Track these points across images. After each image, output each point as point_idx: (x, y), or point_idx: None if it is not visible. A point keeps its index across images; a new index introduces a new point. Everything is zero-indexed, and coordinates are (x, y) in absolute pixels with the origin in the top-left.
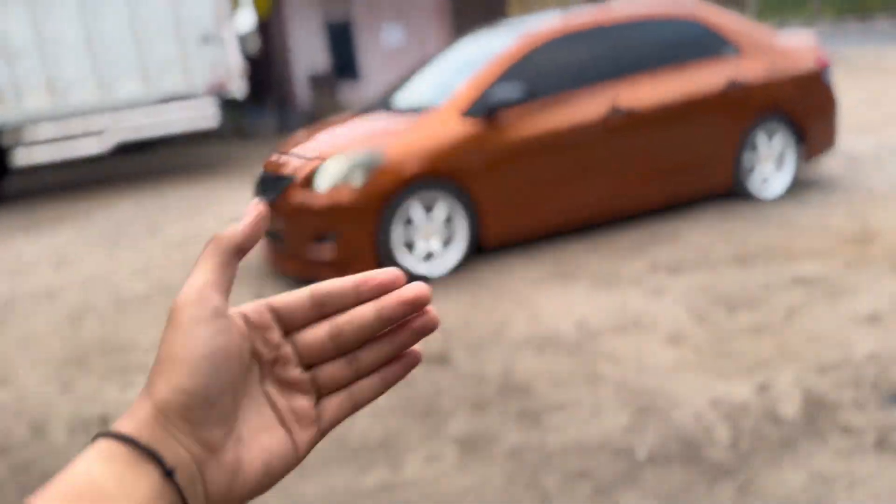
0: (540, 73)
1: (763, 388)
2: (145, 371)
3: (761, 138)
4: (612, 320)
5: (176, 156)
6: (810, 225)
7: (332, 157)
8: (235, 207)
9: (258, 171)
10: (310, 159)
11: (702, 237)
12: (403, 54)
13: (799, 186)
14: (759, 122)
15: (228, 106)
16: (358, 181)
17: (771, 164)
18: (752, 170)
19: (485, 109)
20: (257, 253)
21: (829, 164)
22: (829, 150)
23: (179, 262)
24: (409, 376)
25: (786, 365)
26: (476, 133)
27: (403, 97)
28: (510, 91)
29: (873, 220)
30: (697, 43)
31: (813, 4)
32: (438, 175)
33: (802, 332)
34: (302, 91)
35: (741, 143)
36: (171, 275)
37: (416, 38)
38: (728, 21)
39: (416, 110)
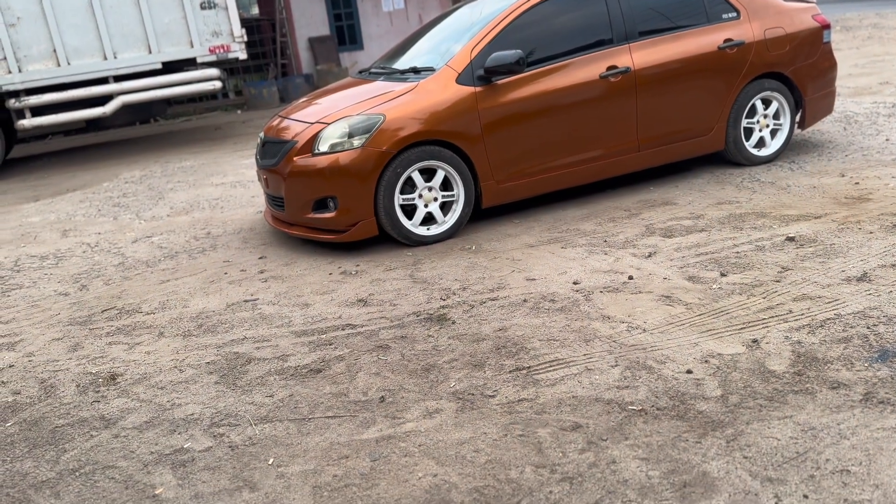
0: (536, 35)
1: (753, 345)
2: (151, 332)
3: (757, 100)
4: (604, 281)
5: (179, 125)
6: (804, 188)
7: (332, 121)
8: (238, 175)
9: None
10: (310, 124)
11: (695, 202)
12: (404, 20)
13: (793, 148)
14: (756, 82)
15: (230, 73)
16: (357, 145)
17: (766, 127)
18: (747, 131)
19: (481, 72)
20: (260, 217)
21: (825, 126)
22: (826, 115)
23: (184, 228)
24: (409, 335)
25: (776, 323)
26: (473, 95)
27: (402, 62)
28: (506, 53)
29: (867, 182)
30: (697, 3)
31: None
32: (437, 138)
33: (793, 291)
34: (304, 58)
35: (736, 104)
36: (175, 240)
37: (416, 3)
38: None
39: (414, 75)
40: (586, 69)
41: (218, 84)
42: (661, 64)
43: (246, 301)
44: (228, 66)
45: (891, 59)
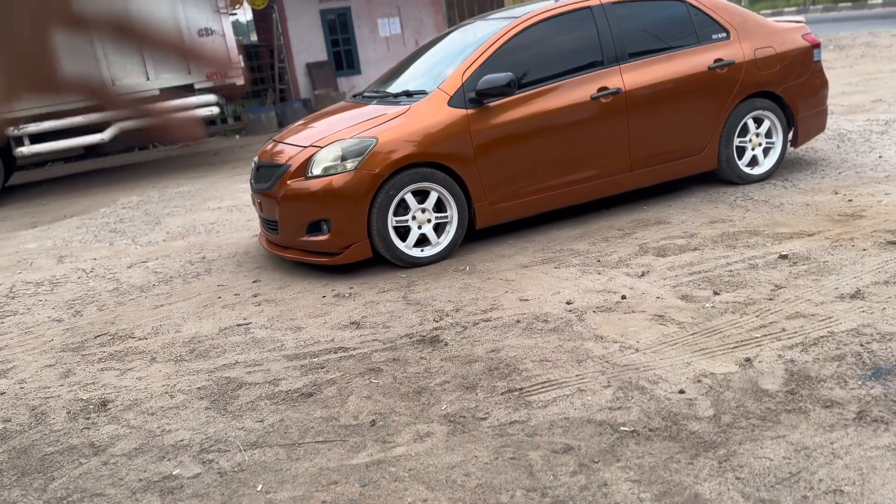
0: (527, 57)
1: (746, 364)
2: (143, 357)
3: (749, 119)
4: (597, 301)
5: (177, 150)
6: (797, 206)
7: (325, 145)
8: (235, 199)
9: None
10: (304, 147)
11: (689, 220)
12: (400, 45)
13: (787, 166)
14: (747, 102)
15: (229, 99)
16: (350, 168)
17: (758, 146)
18: (739, 150)
19: (473, 94)
20: (255, 241)
21: (818, 143)
22: (818, 133)
23: (179, 253)
24: (402, 358)
25: (769, 341)
26: (465, 118)
27: (395, 86)
28: (497, 76)
29: (860, 199)
30: (687, 24)
31: None
32: (430, 160)
33: (786, 309)
34: (302, 83)
35: (728, 123)
36: (170, 265)
37: (413, 29)
38: (717, 4)
39: (407, 98)
40: (577, 91)
41: (215, 110)
42: (652, 85)
43: (238, 325)
44: (227, 92)
45: (883, 76)
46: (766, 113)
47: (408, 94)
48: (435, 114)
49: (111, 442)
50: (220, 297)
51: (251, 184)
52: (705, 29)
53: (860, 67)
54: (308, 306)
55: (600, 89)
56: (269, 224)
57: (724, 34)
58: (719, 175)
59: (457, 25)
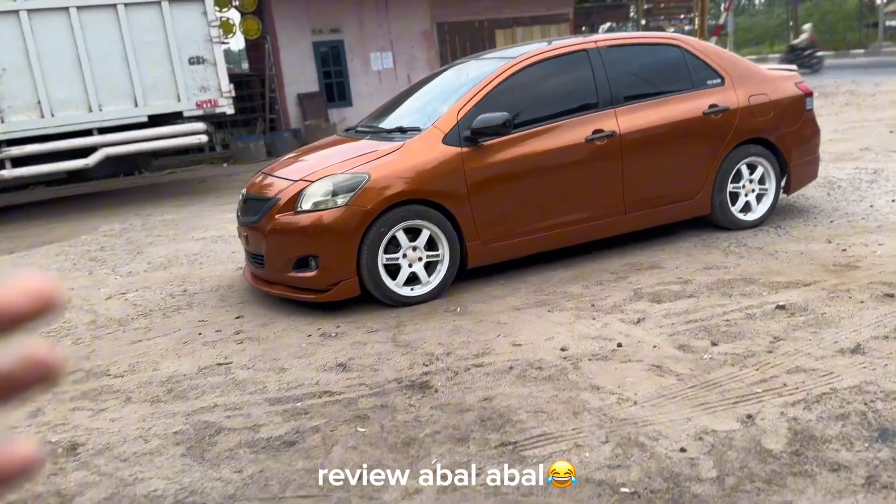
0: (523, 98)
1: (748, 421)
2: (118, 397)
3: (742, 165)
4: (593, 348)
5: (163, 178)
6: (791, 254)
7: (316, 179)
8: (220, 229)
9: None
10: (294, 181)
11: (683, 266)
12: (392, 79)
13: (779, 213)
14: (741, 148)
15: (217, 127)
16: (341, 203)
17: (752, 192)
18: (732, 196)
19: (468, 133)
20: (240, 275)
21: (809, 191)
22: (810, 181)
23: (160, 284)
24: (390, 404)
25: (770, 397)
26: (459, 156)
27: (388, 121)
28: (493, 115)
29: (854, 248)
30: (682, 69)
31: (788, 41)
32: (422, 198)
33: (787, 363)
34: (293, 113)
35: (722, 168)
36: (150, 297)
37: (405, 63)
38: (712, 50)
39: (401, 134)
40: (572, 132)
41: (204, 138)
42: (647, 128)
43: (219, 364)
44: (216, 120)
45: (869, 125)
46: (760, 159)
47: (402, 130)
48: (429, 151)
49: (79, 490)
50: (200, 334)
51: (238, 216)
52: (700, 74)
53: (846, 115)
54: (292, 345)
55: (595, 131)
56: (255, 258)
57: (719, 80)
58: (712, 220)
59: (451, 64)
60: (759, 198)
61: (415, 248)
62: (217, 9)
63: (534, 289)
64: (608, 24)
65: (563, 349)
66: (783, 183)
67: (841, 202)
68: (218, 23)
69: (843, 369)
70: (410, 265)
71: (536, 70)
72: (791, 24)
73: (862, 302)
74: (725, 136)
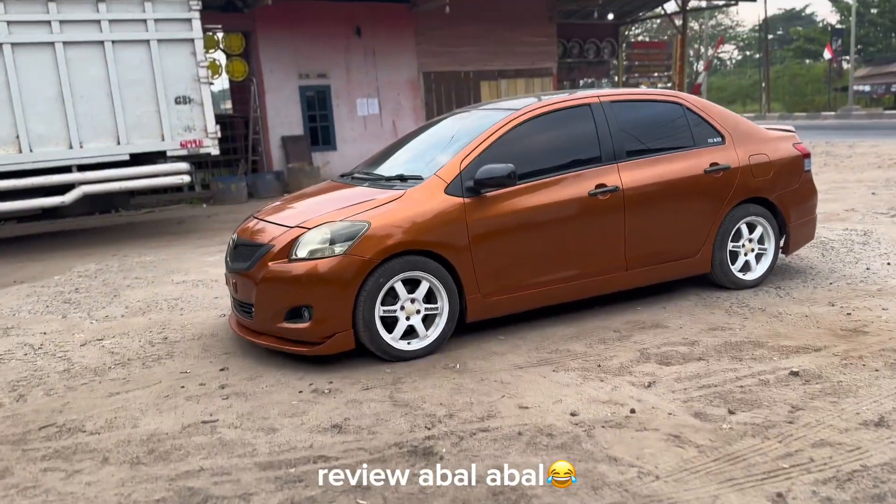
0: (526, 150)
1: (779, 500)
2: (94, 457)
3: (742, 224)
4: (605, 413)
5: (141, 217)
6: (796, 316)
7: (313, 226)
8: (201, 273)
9: (229, 237)
10: (289, 228)
11: (687, 326)
12: (378, 126)
13: (777, 273)
14: (741, 207)
15: (198, 167)
16: (339, 252)
17: (751, 251)
18: (732, 255)
19: (471, 183)
20: (223, 322)
21: (803, 251)
22: (808, 241)
23: (139, 331)
24: (392, 472)
25: (799, 473)
26: (462, 206)
27: (386, 168)
28: (497, 166)
29: (859, 312)
30: (683, 126)
31: (761, 101)
32: (423, 248)
33: (810, 436)
34: (276, 156)
35: (723, 227)
36: (128, 345)
37: (390, 110)
38: (712, 108)
39: (401, 183)
40: (575, 186)
41: (186, 178)
42: (649, 184)
43: (204, 422)
44: (196, 160)
45: (850, 186)
46: (759, 219)
47: (402, 178)
48: (431, 200)
49: None
50: (183, 387)
51: (227, 262)
52: (701, 132)
53: (826, 176)
54: (283, 402)
55: (598, 186)
56: (243, 307)
57: (720, 139)
58: (712, 279)
59: (449, 113)
60: (758, 257)
61: (413, 301)
62: (205, 49)
63: (535, 346)
64: (589, 80)
65: (573, 414)
66: (782, 243)
67: (837, 263)
68: (206, 63)
69: (871, 444)
70: (408, 318)
71: (540, 122)
72: (763, 84)
73: (877, 370)
74: (726, 195)
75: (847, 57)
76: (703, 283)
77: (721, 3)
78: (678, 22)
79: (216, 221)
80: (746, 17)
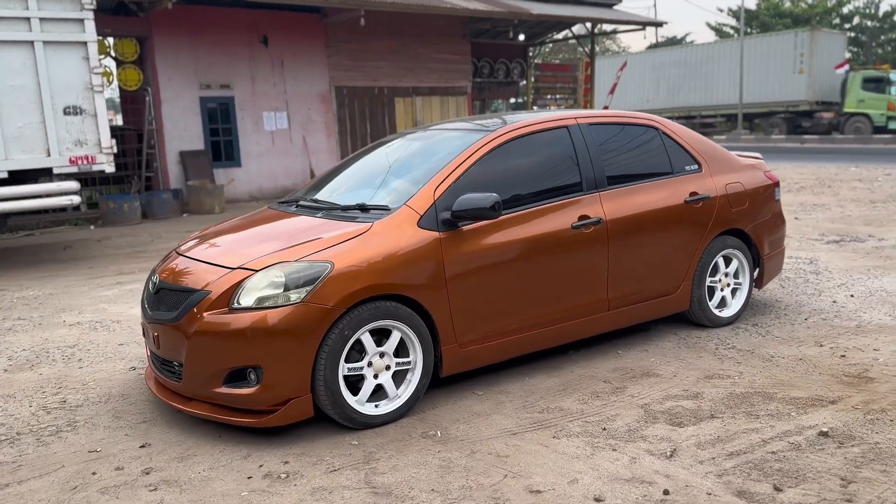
0: (503, 176)
1: None
2: None
3: (720, 258)
4: (634, 496)
5: (18, 240)
6: (790, 360)
7: (261, 268)
8: (98, 311)
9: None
10: (229, 269)
11: (680, 374)
12: (287, 141)
13: (747, 309)
14: (719, 239)
15: (84, 184)
16: (296, 300)
17: (727, 286)
18: (709, 291)
19: (447, 215)
20: (134, 376)
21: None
22: (777, 274)
23: (28, 392)
24: None
25: None
26: (438, 242)
27: (336, 196)
28: (479, 196)
29: (853, 355)
30: (660, 152)
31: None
32: (395, 292)
33: None
34: (173, 172)
35: (702, 261)
36: (16, 412)
37: (300, 125)
38: (686, 133)
39: (363, 213)
40: (558, 218)
41: (76, 199)
42: (632, 216)
43: None
44: (82, 176)
45: (791, 209)
46: (736, 252)
47: (363, 208)
48: (402, 235)
49: None
50: (94, 473)
51: (145, 309)
52: (678, 158)
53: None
54: (229, 495)
55: (581, 217)
56: (166, 365)
57: (696, 166)
58: (689, 317)
59: (399, 133)
60: (733, 292)
61: (382, 355)
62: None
63: (521, 402)
64: (499, 101)
65: (597, 500)
66: (755, 276)
67: (800, 296)
68: (101, 69)
69: None
70: (376, 376)
71: (516, 145)
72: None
73: None
74: (706, 227)
75: None
76: (677, 320)
77: (628, 28)
78: (586, 48)
79: (108, 246)
80: (632, 42)
